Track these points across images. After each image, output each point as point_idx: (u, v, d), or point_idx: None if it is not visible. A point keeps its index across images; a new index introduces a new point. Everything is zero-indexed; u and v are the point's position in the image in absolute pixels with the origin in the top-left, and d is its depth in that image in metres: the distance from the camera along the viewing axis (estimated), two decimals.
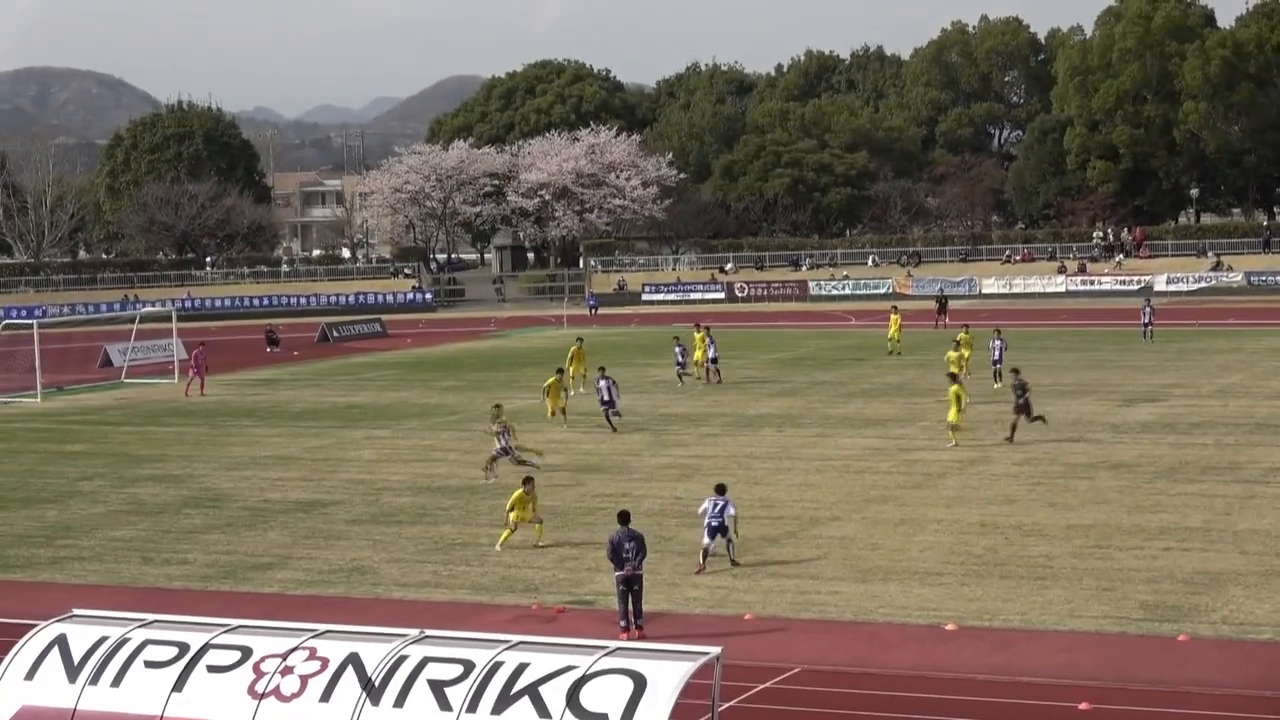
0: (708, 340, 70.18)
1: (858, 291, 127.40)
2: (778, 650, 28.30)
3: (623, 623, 29.42)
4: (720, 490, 34.86)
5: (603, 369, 57.63)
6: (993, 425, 52.87)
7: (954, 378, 52.09)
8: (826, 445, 49.88)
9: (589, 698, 18.86)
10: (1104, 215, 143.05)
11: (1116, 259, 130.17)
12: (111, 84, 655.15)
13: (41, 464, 53.03)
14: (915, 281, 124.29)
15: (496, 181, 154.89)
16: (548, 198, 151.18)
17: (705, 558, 34.41)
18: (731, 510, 34.34)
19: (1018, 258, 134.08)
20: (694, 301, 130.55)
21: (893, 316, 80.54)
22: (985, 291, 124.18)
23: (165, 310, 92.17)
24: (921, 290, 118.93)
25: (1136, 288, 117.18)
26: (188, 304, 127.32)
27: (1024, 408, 49.91)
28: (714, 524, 34.28)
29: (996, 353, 64.75)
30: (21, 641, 21.51)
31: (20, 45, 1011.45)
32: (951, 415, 49.59)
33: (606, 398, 55.57)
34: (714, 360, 69.68)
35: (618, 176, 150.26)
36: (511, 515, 36.65)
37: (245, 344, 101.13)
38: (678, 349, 70.12)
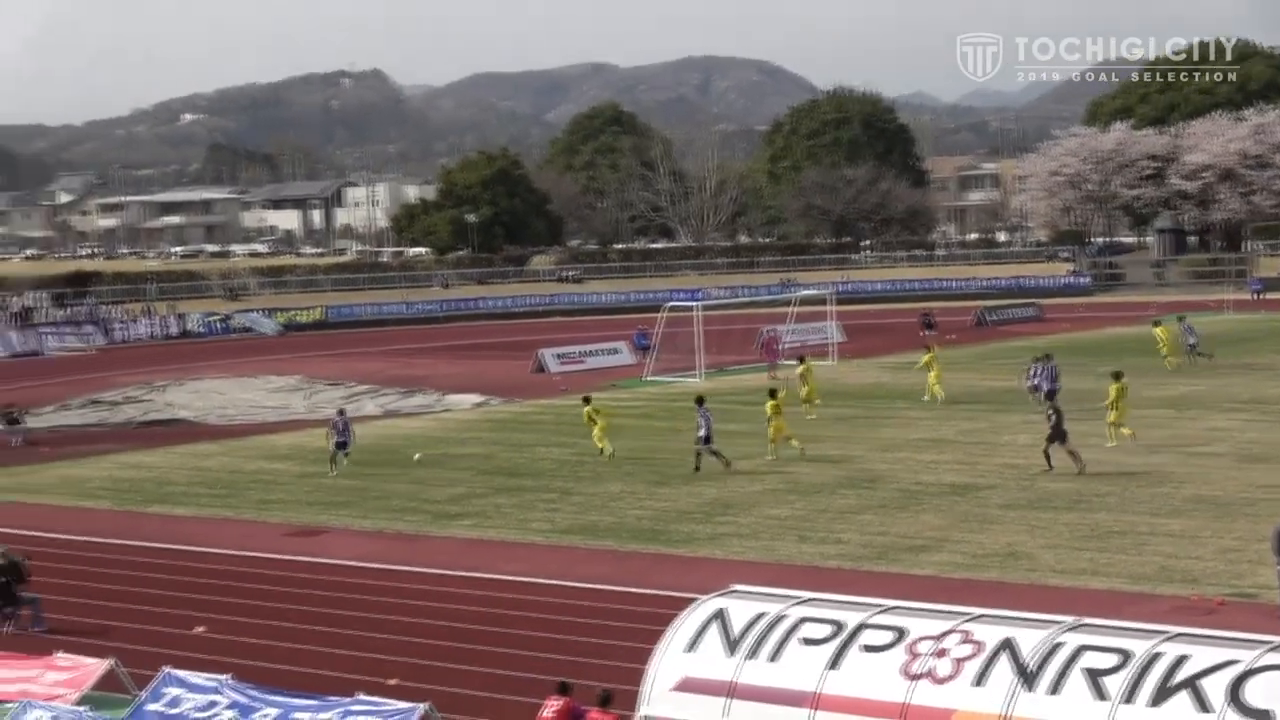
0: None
1: None
2: None
3: None
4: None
5: (700, 399, 50.37)
6: None
7: None
8: None
9: (1252, 694, 18.28)
10: None
11: None
12: (770, 71, 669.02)
13: None
14: None
15: (1157, 164, 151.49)
16: (1211, 180, 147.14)
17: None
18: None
19: None
20: None
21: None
22: None
23: (822, 293, 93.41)
24: None
25: None
26: (844, 287, 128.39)
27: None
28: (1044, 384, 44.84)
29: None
30: (683, 614, 22.22)
31: (687, 35, 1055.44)
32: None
33: (703, 432, 48.27)
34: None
35: None
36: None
37: (900, 327, 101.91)
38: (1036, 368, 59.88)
